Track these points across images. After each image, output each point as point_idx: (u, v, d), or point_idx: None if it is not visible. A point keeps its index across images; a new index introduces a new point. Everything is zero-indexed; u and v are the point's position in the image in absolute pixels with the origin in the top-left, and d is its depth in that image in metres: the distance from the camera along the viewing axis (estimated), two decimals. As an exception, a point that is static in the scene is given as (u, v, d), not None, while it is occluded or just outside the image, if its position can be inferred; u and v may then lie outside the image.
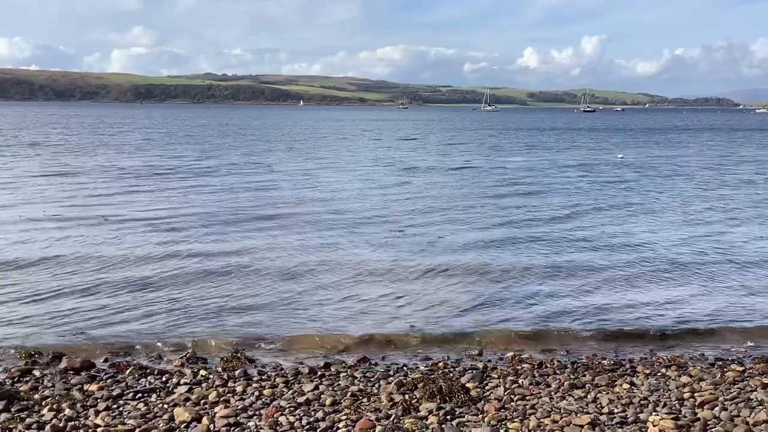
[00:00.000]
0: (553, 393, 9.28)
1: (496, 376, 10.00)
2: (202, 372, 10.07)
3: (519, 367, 10.44)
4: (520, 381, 9.74)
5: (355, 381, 9.76)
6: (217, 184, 32.70)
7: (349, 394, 9.14)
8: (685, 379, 9.84)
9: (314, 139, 78.08)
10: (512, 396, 9.10)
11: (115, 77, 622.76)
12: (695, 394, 9.16)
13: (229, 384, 9.57)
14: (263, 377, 9.90)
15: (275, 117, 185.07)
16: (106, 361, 10.70)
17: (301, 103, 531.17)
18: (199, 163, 43.95)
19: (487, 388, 9.48)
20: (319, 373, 10.11)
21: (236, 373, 9.98)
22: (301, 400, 8.91)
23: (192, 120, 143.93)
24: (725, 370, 10.35)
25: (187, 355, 10.93)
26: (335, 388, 9.40)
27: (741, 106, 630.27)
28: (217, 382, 9.60)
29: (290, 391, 9.29)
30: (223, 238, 19.69)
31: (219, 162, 44.63)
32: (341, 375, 10.04)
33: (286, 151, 56.60)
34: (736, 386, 9.52)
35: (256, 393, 9.19)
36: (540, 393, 9.26)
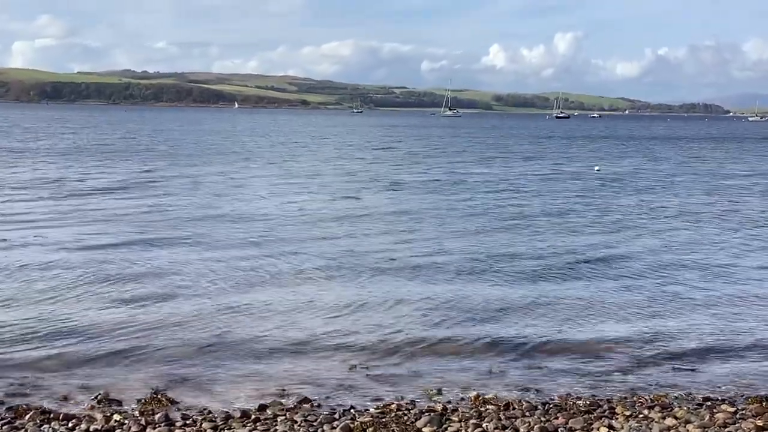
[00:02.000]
0: (521, 438, 9.31)
1: (456, 419, 10.00)
2: (116, 417, 9.90)
3: (483, 409, 10.46)
4: (484, 425, 9.75)
5: (295, 426, 9.68)
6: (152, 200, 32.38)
7: (287, 441, 9.07)
8: (669, 421, 9.95)
9: (269, 147, 77.78)
10: (475, 442, 9.11)
11: (16, 73, 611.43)
12: (681, 439, 9.27)
13: (148, 430, 9.42)
14: (188, 422, 9.77)
15: (208, 121, 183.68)
16: (1, 404, 10.48)
17: (236, 105, 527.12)
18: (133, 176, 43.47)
19: (446, 433, 9.48)
20: (253, 416, 10.02)
21: (156, 417, 9.83)
22: (231, 448, 8.83)
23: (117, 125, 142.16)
24: (715, 411, 10.48)
25: (99, 397, 10.75)
26: (272, 435, 9.32)
27: (731, 113, 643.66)
28: (134, 429, 9.45)
29: (219, 438, 9.19)
30: (144, 260, 19.48)
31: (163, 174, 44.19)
32: (279, 419, 9.96)
33: (243, 160, 56.35)
34: (726, 429, 9.66)
35: (180, 440, 9.07)
36: (507, 438, 9.29)
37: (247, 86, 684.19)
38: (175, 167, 48.25)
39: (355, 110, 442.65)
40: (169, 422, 9.73)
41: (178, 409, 10.35)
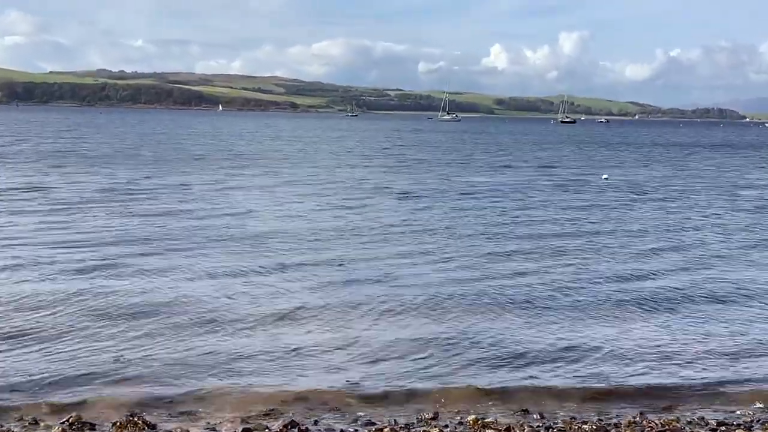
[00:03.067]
0: (523, 465, 9.33)
1: (454, 444, 10.01)
2: (90, 440, 9.90)
3: (482, 434, 10.46)
4: (483, 450, 9.76)
5: (282, 451, 9.68)
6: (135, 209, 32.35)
7: (273, 467, 9.07)
8: (681, 447, 9.97)
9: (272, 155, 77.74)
10: (474, 469, 9.12)
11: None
12: (693, 467, 9.30)
13: (124, 455, 9.42)
14: (166, 446, 9.76)
15: (200, 124, 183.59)
16: (-34, 427, 10.46)
17: (220, 108, 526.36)
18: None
19: (443, 459, 9.49)
20: (237, 441, 10.01)
21: (132, 441, 9.82)
22: (213, 474, 8.83)
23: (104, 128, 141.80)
24: (729, 436, 10.50)
25: (70, 420, 10.71)
26: (256, 460, 9.32)
27: (748, 119, 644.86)
28: (109, 453, 9.44)
29: (200, 464, 9.19)
30: (119, 273, 19.48)
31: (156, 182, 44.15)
32: (264, 443, 9.95)
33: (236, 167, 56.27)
34: (741, 457, 9.68)
35: (158, 466, 9.07)
36: (508, 465, 9.30)
37: (231, 87, 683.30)
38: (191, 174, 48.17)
39: (350, 113, 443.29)
40: (147, 447, 9.71)
41: (156, 433, 10.34)
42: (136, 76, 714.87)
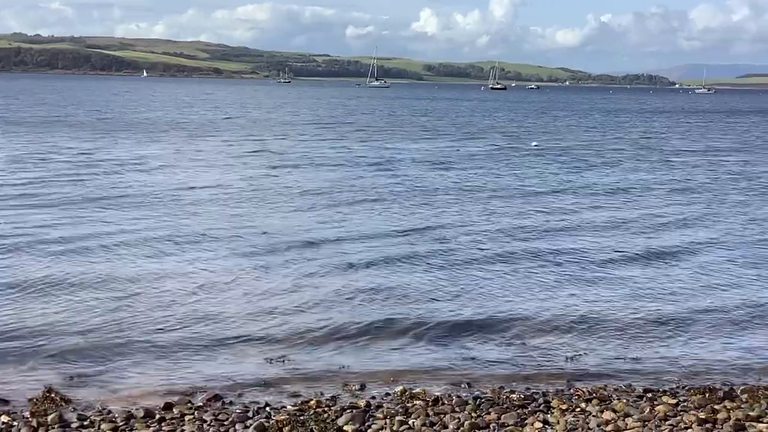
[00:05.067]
0: (450, 435, 9.41)
1: (381, 416, 10.07)
2: (4, 418, 9.76)
3: (410, 405, 10.54)
4: (410, 422, 9.84)
5: (204, 426, 9.66)
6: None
7: (195, 442, 9.04)
8: (608, 415, 10.16)
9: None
10: (400, 440, 9.18)
11: None
12: (620, 433, 9.47)
13: (40, 433, 9.29)
14: (85, 423, 9.67)
15: (131, 91, 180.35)
16: None
17: (145, 73, 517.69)
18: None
19: (369, 431, 9.53)
20: (158, 416, 9.96)
21: (49, 418, 9.69)
22: (133, 451, 8.77)
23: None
24: (655, 403, 10.72)
25: (-16, 396, 10.59)
26: (178, 436, 9.27)
27: (677, 85, 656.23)
28: (24, 431, 9.31)
29: (120, 441, 9.11)
30: (40, 247, 19.15)
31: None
32: (186, 418, 9.92)
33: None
34: (667, 423, 9.89)
35: (76, 444, 8.97)
36: (435, 436, 9.37)
37: (153, 53, 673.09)
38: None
39: (282, 80, 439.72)
40: (64, 423, 9.60)
41: (74, 409, 10.23)
42: (52, 40, 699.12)
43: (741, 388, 11.43)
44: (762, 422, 9.83)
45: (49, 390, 10.73)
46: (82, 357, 12.25)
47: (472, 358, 12.77)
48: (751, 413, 10.11)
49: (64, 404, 10.36)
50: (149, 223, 22.38)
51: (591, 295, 16.47)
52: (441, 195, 29.42)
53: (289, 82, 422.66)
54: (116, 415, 9.99)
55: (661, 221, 25.04)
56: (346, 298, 15.67)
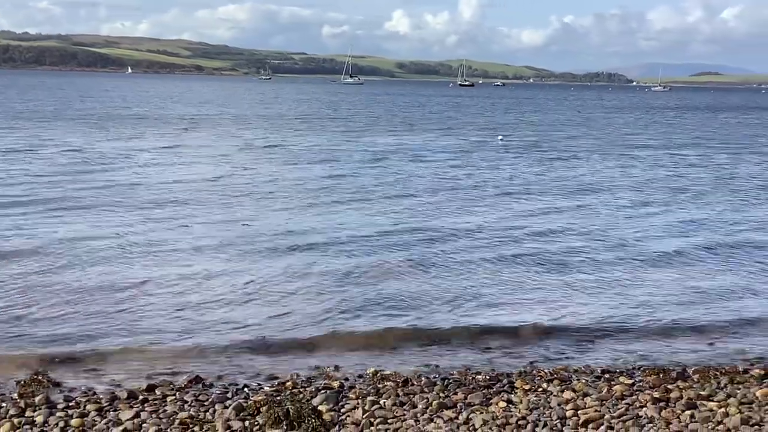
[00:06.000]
0: (419, 415, 9.45)
1: (353, 396, 10.09)
2: (-7, 399, 9.70)
3: (381, 386, 10.57)
4: (381, 402, 9.86)
5: (186, 406, 9.64)
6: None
7: (177, 422, 9.03)
8: (568, 394, 10.23)
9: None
10: (372, 419, 9.22)
11: None
12: (579, 412, 9.56)
13: (27, 413, 9.25)
14: (71, 404, 9.62)
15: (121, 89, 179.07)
16: None
17: (129, 70, 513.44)
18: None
19: (343, 410, 9.56)
20: (141, 397, 9.93)
21: (37, 399, 9.65)
22: (117, 431, 8.71)
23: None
24: (613, 383, 10.81)
25: (-26, 379, 10.52)
26: (161, 416, 9.26)
27: (635, 83, 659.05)
28: (12, 412, 9.27)
29: (104, 421, 9.08)
30: (24, 233, 19.01)
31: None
32: (168, 399, 9.89)
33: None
34: (624, 402, 9.98)
35: (62, 424, 8.94)
36: (404, 415, 9.41)
37: (138, 50, 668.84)
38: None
39: (263, 77, 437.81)
40: (51, 404, 9.55)
41: (61, 391, 10.19)
42: (40, 37, 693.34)
43: (693, 369, 11.55)
44: (712, 401, 9.95)
45: (37, 372, 10.68)
46: (68, 341, 12.17)
47: (440, 342, 12.82)
48: (702, 392, 10.23)
49: (51, 386, 10.31)
50: (134, 216, 22.21)
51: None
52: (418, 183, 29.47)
53: (270, 78, 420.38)
54: (101, 397, 9.94)
55: (624, 214, 25.19)
56: (327, 286, 15.63)
